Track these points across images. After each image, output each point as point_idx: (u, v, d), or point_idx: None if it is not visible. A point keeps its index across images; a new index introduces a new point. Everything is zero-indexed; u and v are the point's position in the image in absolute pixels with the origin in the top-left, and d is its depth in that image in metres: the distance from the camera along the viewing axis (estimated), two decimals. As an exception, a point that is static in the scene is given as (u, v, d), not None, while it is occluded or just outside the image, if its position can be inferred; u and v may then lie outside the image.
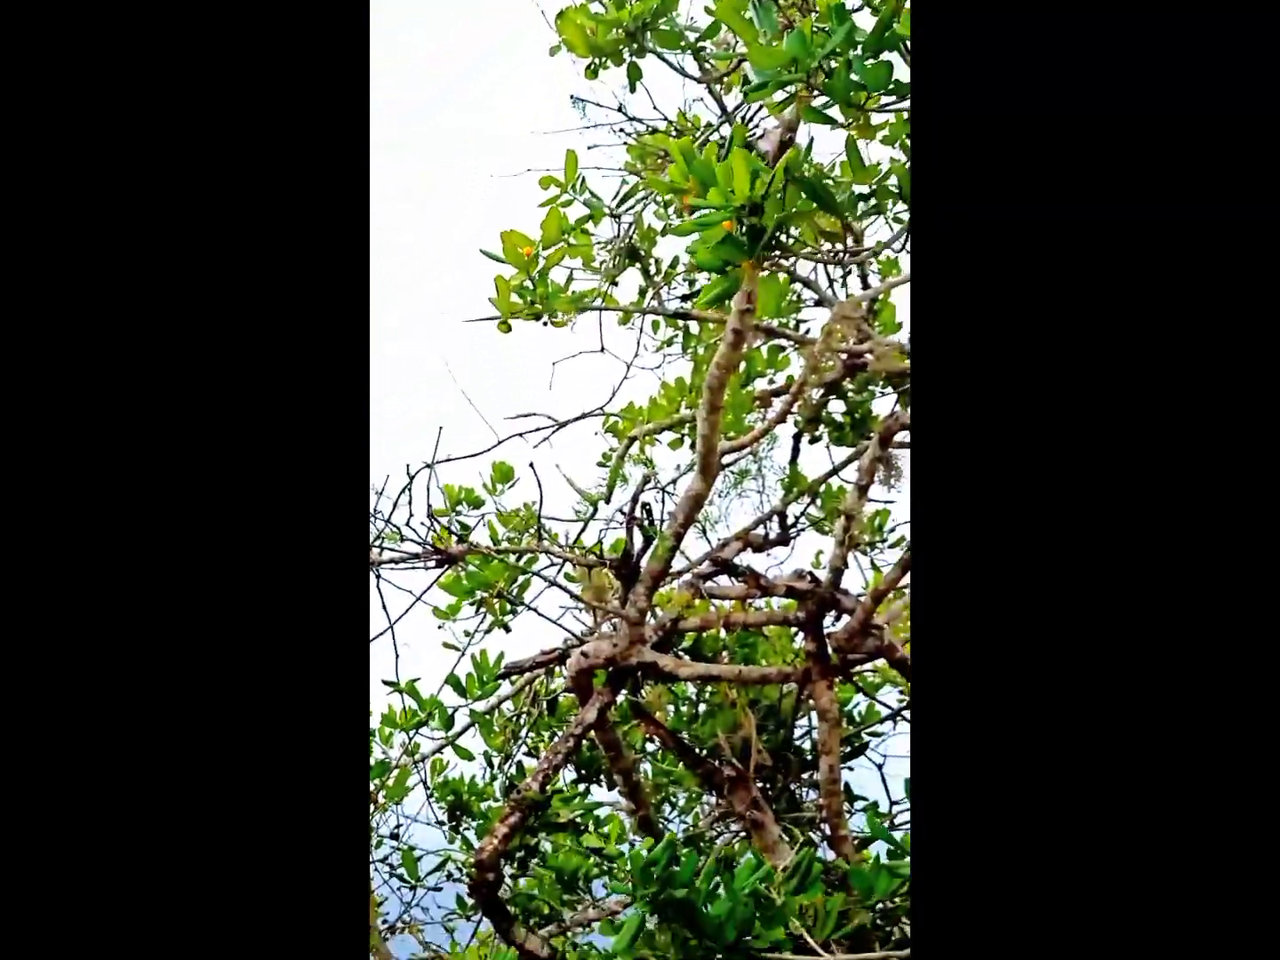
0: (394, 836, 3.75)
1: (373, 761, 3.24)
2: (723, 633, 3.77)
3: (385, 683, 3.39)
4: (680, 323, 3.61)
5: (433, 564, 3.12)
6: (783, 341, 3.70)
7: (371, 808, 3.22)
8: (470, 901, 3.66)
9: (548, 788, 3.17)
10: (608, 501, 3.74)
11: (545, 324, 2.57)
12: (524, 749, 4.00)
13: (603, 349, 3.38)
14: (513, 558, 3.28)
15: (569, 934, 3.72)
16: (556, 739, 3.22)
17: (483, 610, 3.62)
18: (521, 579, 3.48)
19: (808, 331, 3.67)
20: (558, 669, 3.67)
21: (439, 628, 3.80)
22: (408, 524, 2.96)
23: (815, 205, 2.12)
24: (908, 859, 2.54)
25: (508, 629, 3.83)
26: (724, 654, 3.83)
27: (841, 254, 2.87)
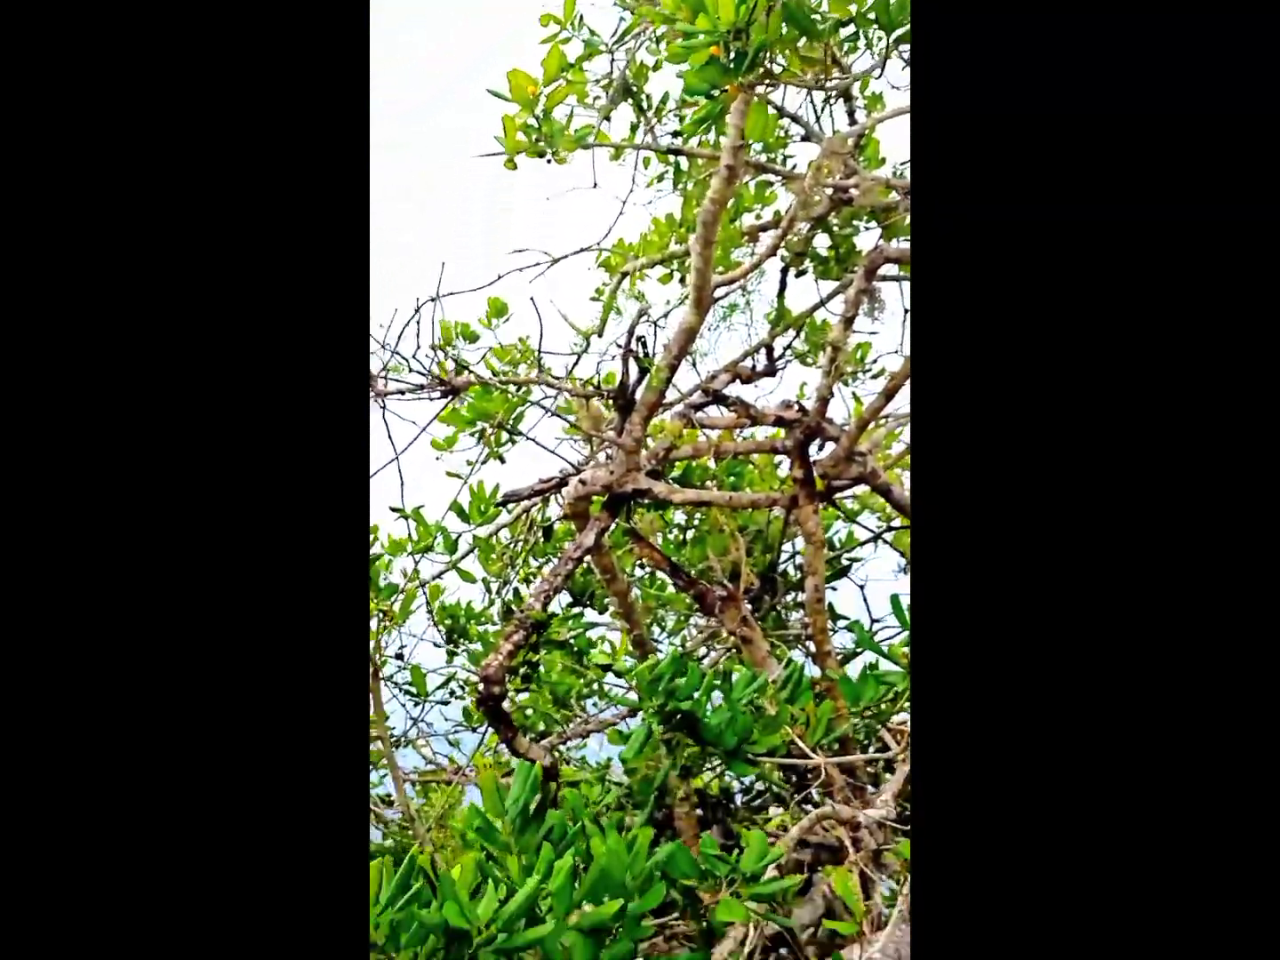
0: (399, 656, 3.94)
1: (381, 585, 3.39)
2: (711, 462, 3.92)
3: (392, 509, 3.53)
4: (671, 159, 3.65)
5: (437, 395, 3.23)
6: (770, 176, 3.75)
7: (383, 626, 3.39)
8: (477, 713, 3.90)
9: (548, 608, 3.35)
10: (600, 335, 3.84)
11: (549, 161, 2.63)
12: (520, 575, 4.17)
13: (595, 185, 3.42)
14: (513, 389, 3.38)
15: (563, 747, 3.96)
16: (556, 562, 3.38)
17: (481, 441, 3.74)
18: (519, 410, 3.59)
19: (795, 167, 3.72)
20: (554, 498, 3.82)
21: (436, 459, 3.94)
22: (414, 356, 3.05)
23: (797, 31, 2.20)
24: (892, 668, 2.72)
25: (503, 460, 3.96)
26: (711, 483, 3.98)
27: (824, 80, 2.92)
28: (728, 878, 1.89)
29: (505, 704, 3.24)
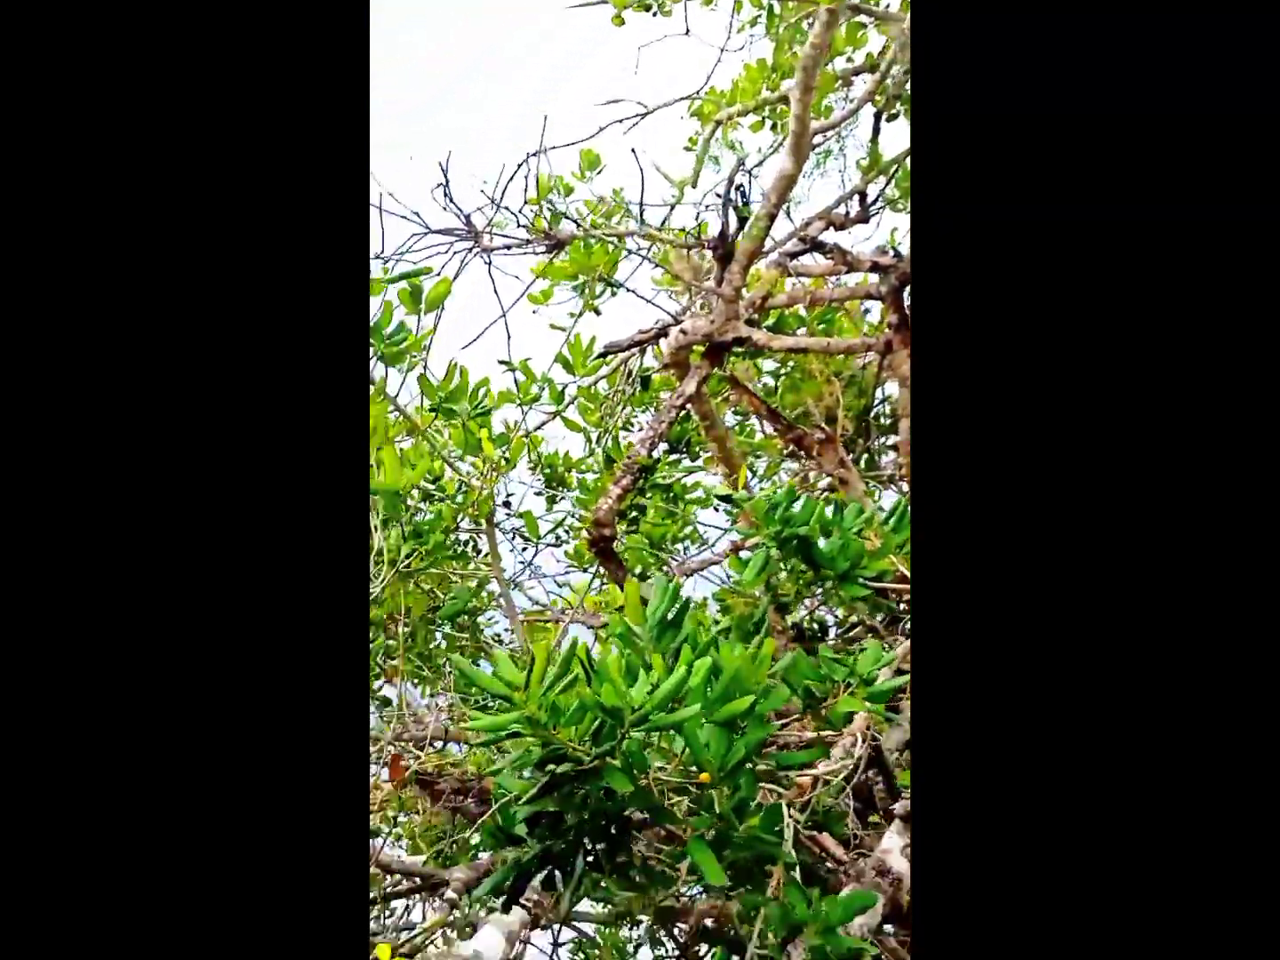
0: (506, 504, 4.13)
1: (495, 434, 3.54)
2: (802, 309, 4.00)
3: (500, 362, 3.68)
4: (764, 2, 3.66)
5: (542, 249, 3.33)
6: (863, 19, 3.75)
7: (494, 475, 3.54)
8: (585, 555, 4.09)
9: (652, 454, 3.50)
10: (694, 186, 3.90)
11: (654, 14, 2.68)
12: (617, 424, 4.32)
13: (688, 32, 3.46)
14: (613, 241, 3.47)
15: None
16: (660, 409, 3.51)
17: (580, 294, 3.86)
18: (618, 262, 3.69)
19: (888, 7, 3.71)
20: (651, 348, 3.93)
21: (534, 313, 4.06)
22: (520, 211, 3.15)
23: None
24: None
25: (598, 312, 4.08)
26: (801, 330, 4.07)
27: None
28: (844, 680, 2.06)
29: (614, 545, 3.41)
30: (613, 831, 1.99)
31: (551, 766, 1.85)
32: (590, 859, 2.01)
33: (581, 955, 4.32)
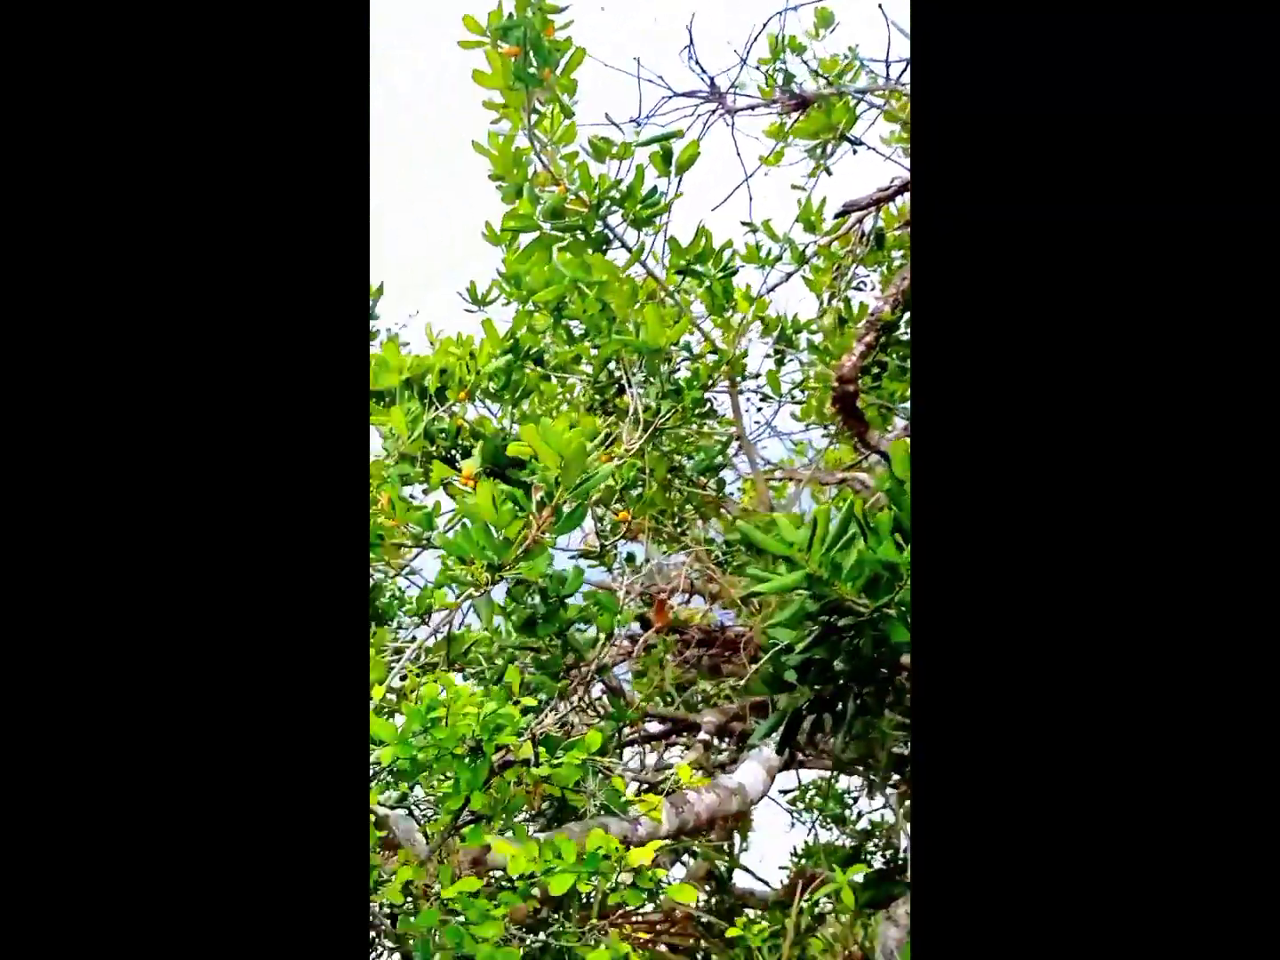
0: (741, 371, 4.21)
1: (737, 297, 3.60)
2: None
3: (743, 224, 3.72)
4: None
5: (786, 110, 3.34)
6: None
7: (733, 337, 3.62)
8: (821, 413, 4.16)
9: (895, 311, 3.51)
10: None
11: None
12: (846, 284, 4.32)
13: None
14: (857, 96, 3.45)
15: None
16: (895, 268, 3.51)
17: (816, 155, 3.85)
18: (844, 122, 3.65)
19: None
20: (888, 206, 3.91)
21: (765, 175, 4.07)
22: (772, 73, 3.16)
23: None
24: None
25: (829, 172, 4.06)
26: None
27: None
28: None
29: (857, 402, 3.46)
30: (881, 676, 2.10)
31: (827, 618, 1.96)
32: (858, 703, 2.12)
33: (802, 803, 4.53)
